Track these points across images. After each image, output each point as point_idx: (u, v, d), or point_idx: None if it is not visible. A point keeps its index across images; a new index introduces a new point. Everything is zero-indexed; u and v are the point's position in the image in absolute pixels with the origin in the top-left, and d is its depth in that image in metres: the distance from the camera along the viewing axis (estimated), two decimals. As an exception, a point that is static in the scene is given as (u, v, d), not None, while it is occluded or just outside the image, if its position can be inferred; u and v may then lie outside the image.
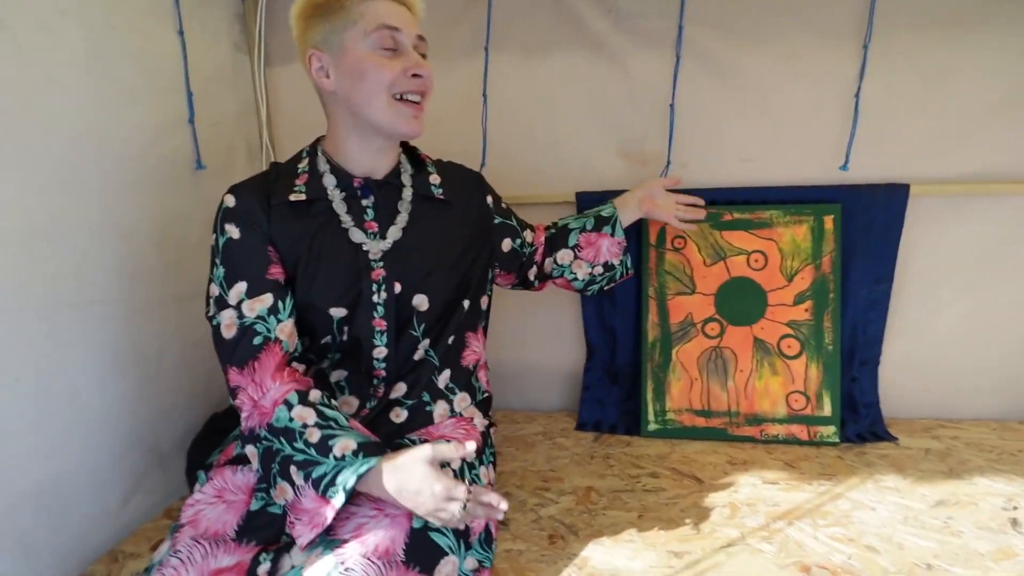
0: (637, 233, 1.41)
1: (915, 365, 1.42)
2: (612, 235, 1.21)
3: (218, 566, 0.78)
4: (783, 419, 1.36)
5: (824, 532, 1.01)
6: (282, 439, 0.79)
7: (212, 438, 1.26)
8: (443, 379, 1.01)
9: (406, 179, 0.97)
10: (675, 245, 1.41)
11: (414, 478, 0.73)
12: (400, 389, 0.97)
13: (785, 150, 1.39)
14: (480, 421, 1.06)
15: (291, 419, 0.79)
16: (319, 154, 0.94)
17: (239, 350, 0.83)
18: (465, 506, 0.73)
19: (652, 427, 1.41)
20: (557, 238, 1.21)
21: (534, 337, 1.57)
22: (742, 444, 1.36)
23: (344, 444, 0.77)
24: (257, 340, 0.83)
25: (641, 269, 1.42)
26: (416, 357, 0.96)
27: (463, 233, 1.00)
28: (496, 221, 1.09)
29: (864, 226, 1.35)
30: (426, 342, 0.96)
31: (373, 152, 0.92)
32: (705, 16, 1.33)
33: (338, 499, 0.74)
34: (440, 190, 0.99)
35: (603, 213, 1.22)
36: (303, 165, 0.94)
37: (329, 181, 0.91)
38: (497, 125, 1.44)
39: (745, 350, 1.39)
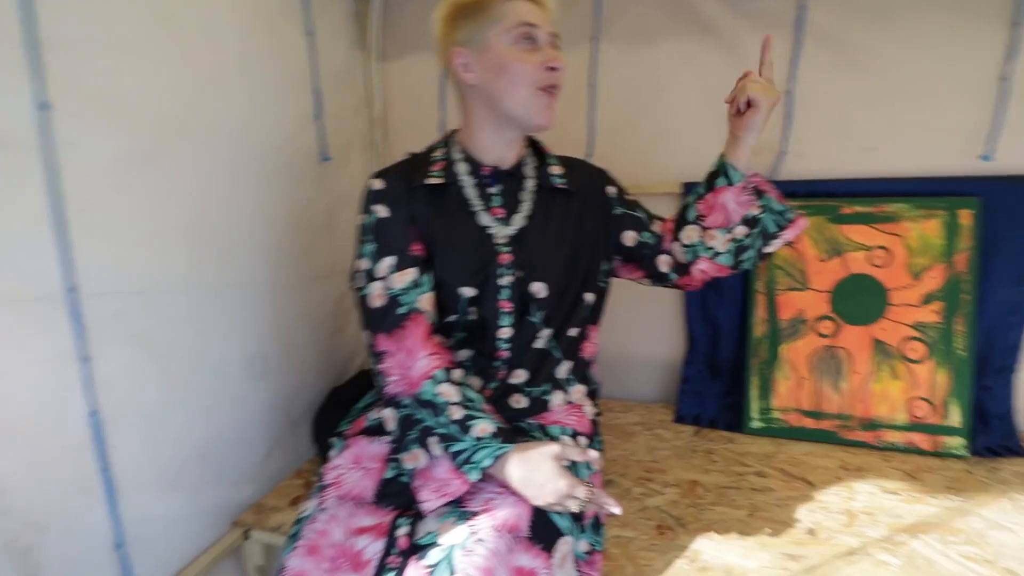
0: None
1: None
2: (730, 183, 0.98)
3: (360, 525, 0.85)
4: (903, 426, 1.29)
5: (955, 550, 0.96)
6: (425, 411, 0.84)
7: (333, 408, 1.37)
8: (563, 370, 1.03)
9: (529, 170, 1.01)
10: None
11: (541, 471, 0.78)
12: (520, 376, 1.00)
13: (915, 138, 1.30)
14: (590, 409, 1.08)
15: (436, 394, 0.85)
16: (453, 144, 1.01)
17: (388, 318, 0.90)
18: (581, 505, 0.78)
19: (756, 424, 1.38)
20: (679, 221, 1.06)
21: (634, 326, 1.55)
22: (855, 449, 1.30)
23: (483, 427, 0.82)
24: (403, 310, 0.90)
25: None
26: (536, 345, 0.99)
27: (583, 223, 1.02)
28: (617, 212, 1.07)
29: (1008, 222, 1.24)
30: (547, 332, 0.99)
31: (504, 143, 0.97)
32: (834, -4, 1.26)
33: (473, 475, 0.79)
34: (562, 180, 1.02)
35: (711, 169, 1.03)
36: (438, 154, 1.00)
37: (461, 168, 0.98)
38: (604, 115, 1.44)
39: (862, 351, 1.32)
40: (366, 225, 0.96)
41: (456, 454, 0.81)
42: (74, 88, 0.82)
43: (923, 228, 1.28)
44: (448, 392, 0.86)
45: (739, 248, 1.00)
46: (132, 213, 0.93)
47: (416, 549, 0.81)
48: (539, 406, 1.01)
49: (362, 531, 0.85)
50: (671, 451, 1.34)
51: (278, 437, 1.29)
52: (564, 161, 1.06)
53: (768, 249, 1.02)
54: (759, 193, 0.99)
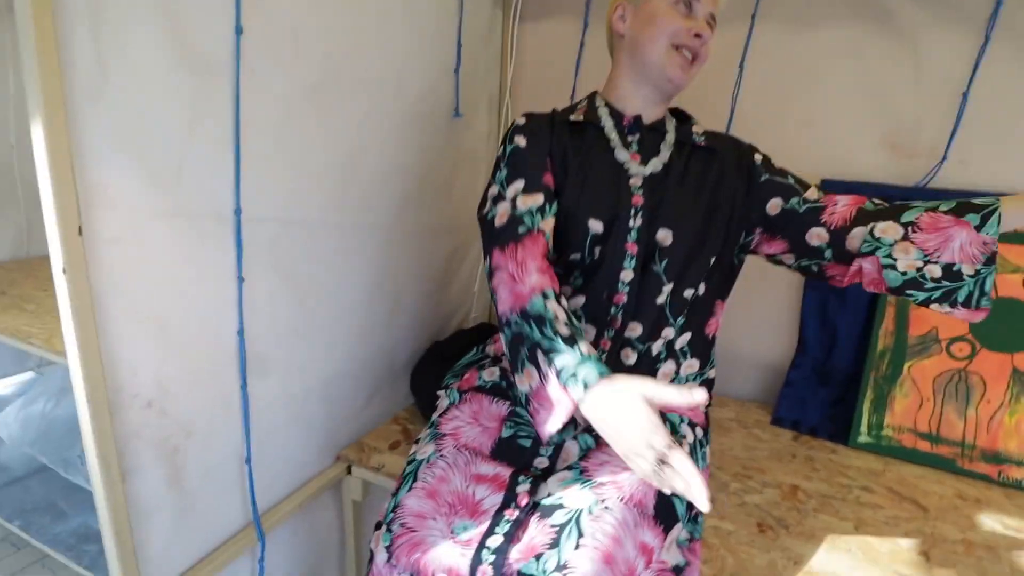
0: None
1: None
2: (979, 229, 0.83)
3: (479, 472, 0.87)
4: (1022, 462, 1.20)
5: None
6: (533, 324, 0.80)
7: (433, 362, 1.41)
8: (681, 340, 1.00)
9: (671, 127, 1.02)
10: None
11: (624, 408, 0.69)
12: (636, 329, 0.96)
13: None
14: (701, 395, 1.05)
15: (545, 308, 0.81)
16: (596, 99, 1.04)
17: (506, 233, 0.90)
18: (660, 463, 0.66)
19: (863, 439, 1.32)
20: (883, 211, 0.91)
21: (740, 319, 1.48)
22: (973, 481, 1.23)
23: (589, 348, 0.78)
24: (523, 228, 0.90)
25: (884, 271, 1.29)
26: (658, 300, 0.95)
27: (722, 185, 0.98)
28: (763, 178, 1.00)
29: None
30: (669, 287, 0.95)
31: (643, 98, 0.99)
32: (1036, -10, 1.14)
33: (576, 391, 0.73)
34: (702, 138, 1.02)
35: (975, 200, 0.87)
36: (581, 103, 1.05)
37: (603, 112, 1.01)
38: (749, 98, 1.38)
39: (999, 379, 1.23)
40: (503, 154, 0.99)
41: (562, 368, 0.75)
42: (263, 15, 0.85)
43: (1097, 257, 1.16)
44: (556, 310, 0.81)
45: (914, 282, 0.86)
46: (295, 144, 0.97)
47: (536, 508, 0.82)
48: (648, 367, 0.98)
49: (481, 479, 0.86)
50: (769, 452, 1.30)
51: (380, 382, 1.33)
52: (709, 131, 1.06)
53: (934, 307, 0.86)
54: (989, 260, 0.83)
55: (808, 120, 1.36)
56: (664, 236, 0.94)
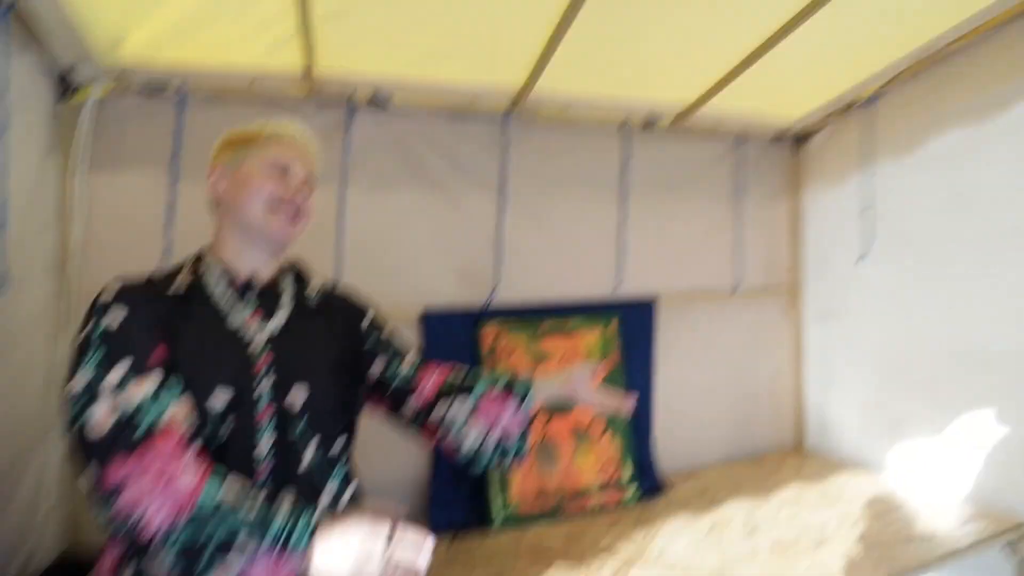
0: (474, 344, 1.66)
1: (670, 427, 1.92)
2: (520, 405, 1.09)
3: None
4: (598, 488, 1.69)
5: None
6: (215, 521, 0.72)
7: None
8: (331, 487, 0.96)
9: (287, 287, 1.04)
10: (505, 353, 1.69)
11: (346, 544, 0.73)
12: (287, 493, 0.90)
13: (579, 275, 1.85)
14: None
15: (224, 493, 0.74)
16: (203, 258, 0.98)
17: (124, 436, 0.74)
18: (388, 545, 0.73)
19: (500, 519, 1.58)
20: (458, 387, 1.10)
21: (375, 448, 1.50)
22: (577, 520, 1.62)
23: (286, 502, 0.76)
24: (146, 423, 0.76)
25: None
26: (301, 469, 0.91)
27: (336, 346, 1.04)
28: (367, 345, 1.10)
29: (633, 328, 1.85)
30: (311, 451, 0.93)
31: (254, 257, 0.99)
32: (524, 169, 1.76)
33: (303, 546, 0.72)
34: (319, 299, 1.07)
35: (519, 379, 1.13)
36: (185, 269, 0.97)
37: (212, 278, 0.95)
38: (354, 247, 1.57)
39: (567, 437, 1.70)
40: (91, 336, 0.81)
41: (275, 539, 0.72)
42: None
43: (591, 337, 1.78)
44: (233, 486, 0.76)
45: (477, 456, 1.08)
46: None
47: None
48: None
49: None
50: (433, 564, 1.40)
51: None
52: (325, 287, 1.12)
53: (493, 467, 1.18)
54: (526, 428, 1.10)
55: (403, 264, 1.65)
56: (297, 395, 0.93)
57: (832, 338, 2.05)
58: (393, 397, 1.11)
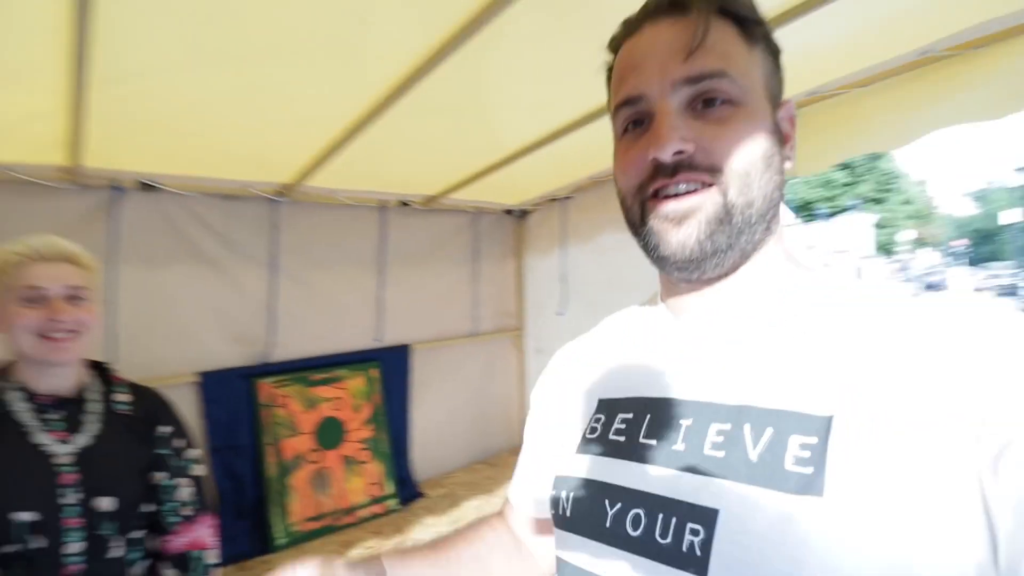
0: (251, 397, 1.90)
1: (425, 446, 2.41)
2: None
3: None
4: (367, 503, 2.09)
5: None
6: None
7: None
8: (138, 570, 1.08)
9: (94, 395, 1.09)
10: (280, 403, 1.97)
11: None
12: None
13: (344, 331, 2.20)
14: None
15: None
16: (5, 375, 1.04)
17: None
18: None
19: (282, 541, 1.88)
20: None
21: None
22: (348, 530, 2.00)
23: None
24: None
25: (257, 425, 1.90)
26: (110, 556, 1.02)
27: (144, 448, 1.12)
28: (159, 450, 1.14)
29: (393, 371, 2.27)
30: (120, 540, 1.04)
31: (52, 374, 1.04)
32: (291, 249, 2.02)
33: None
34: (128, 407, 1.15)
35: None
36: None
37: (13, 396, 1.01)
38: (129, 321, 1.66)
39: (338, 465, 2.06)
40: None
41: None
42: None
43: (356, 382, 2.15)
44: None
45: None
46: None
47: None
48: None
49: None
50: (224, 592, 1.66)
51: None
52: (134, 388, 1.20)
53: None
54: None
55: (180, 333, 1.80)
56: (105, 503, 1.02)
57: (544, 366, 2.75)
58: (153, 519, 1.13)
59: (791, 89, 0.54)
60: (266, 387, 1.95)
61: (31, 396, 1.03)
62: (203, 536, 1.17)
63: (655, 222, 0.49)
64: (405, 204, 2.29)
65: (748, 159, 0.47)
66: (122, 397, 1.14)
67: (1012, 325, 0.41)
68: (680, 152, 0.47)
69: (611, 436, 0.54)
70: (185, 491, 1.17)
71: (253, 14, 0.98)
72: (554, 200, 2.53)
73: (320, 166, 1.70)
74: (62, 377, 1.06)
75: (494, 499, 2.22)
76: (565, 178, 2.32)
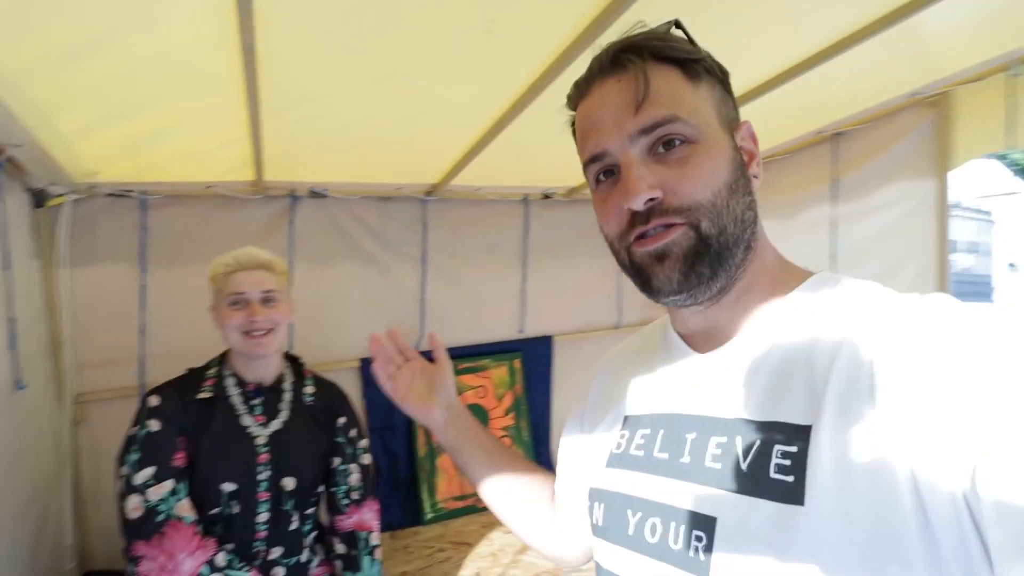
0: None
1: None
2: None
3: None
4: (506, 489, 2.17)
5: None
6: None
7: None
8: (310, 539, 1.28)
9: (287, 386, 1.31)
10: (431, 387, 2.11)
11: None
12: (278, 552, 1.21)
13: (488, 322, 2.27)
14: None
15: None
16: (225, 363, 1.27)
17: (147, 527, 1.04)
18: None
19: (429, 515, 2.04)
20: (352, 557, 1.29)
21: None
22: (487, 512, 2.10)
23: None
24: (161, 518, 1.06)
25: (411, 407, 2.06)
26: (291, 528, 1.22)
27: (321, 439, 1.31)
28: (337, 438, 1.33)
29: (535, 362, 2.31)
30: (297, 515, 1.24)
31: (255, 366, 1.26)
32: (439, 244, 2.14)
33: None
34: (312, 399, 1.33)
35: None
36: (212, 371, 1.25)
37: (230, 383, 1.24)
38: (300, 314, 1.89)
39: (480, 450, 2.16)
40: (135, 436, 1.12)
41: None
42: None
43: (499, 372, 2.22)
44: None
45: None
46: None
47: None
48: (300, 572, 1.28)
49: None
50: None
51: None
52: (318, 381, 1.38)
53: None
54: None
55: (343, 322, 2.00)
56: (288, 482, 1.21)
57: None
58: (328, 497, 1.33)
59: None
60: (417, 373, 2.10)
61: (241, 383, 1.24)
62: (368, 519, 1.34)
63: (641, 262, 0.53)
64: (547, 196, 2.28)
65: (712, 191, 0.51)
66: (309, 389, 1.33)
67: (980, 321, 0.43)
68: (651, 199, 0.51)
69: (632, 451, 0.59)
70: (355, 476, 1.35)
71: (393, 38, 1.02)
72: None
73: (464, 165, 1.75)
74: (264, 368, 1.27)
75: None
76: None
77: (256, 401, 1.25)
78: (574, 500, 0.72)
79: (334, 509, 1.32)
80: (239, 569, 1.15)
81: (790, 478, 0.44)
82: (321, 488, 1.32)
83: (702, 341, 0.58)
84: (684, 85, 0.52)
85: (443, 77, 1.19)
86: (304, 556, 1.26)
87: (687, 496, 0.51)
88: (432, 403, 0.83)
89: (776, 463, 0.46)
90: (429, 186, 2.00)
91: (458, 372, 2.16)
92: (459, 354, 2.18)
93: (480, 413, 2.18)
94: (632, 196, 0.51)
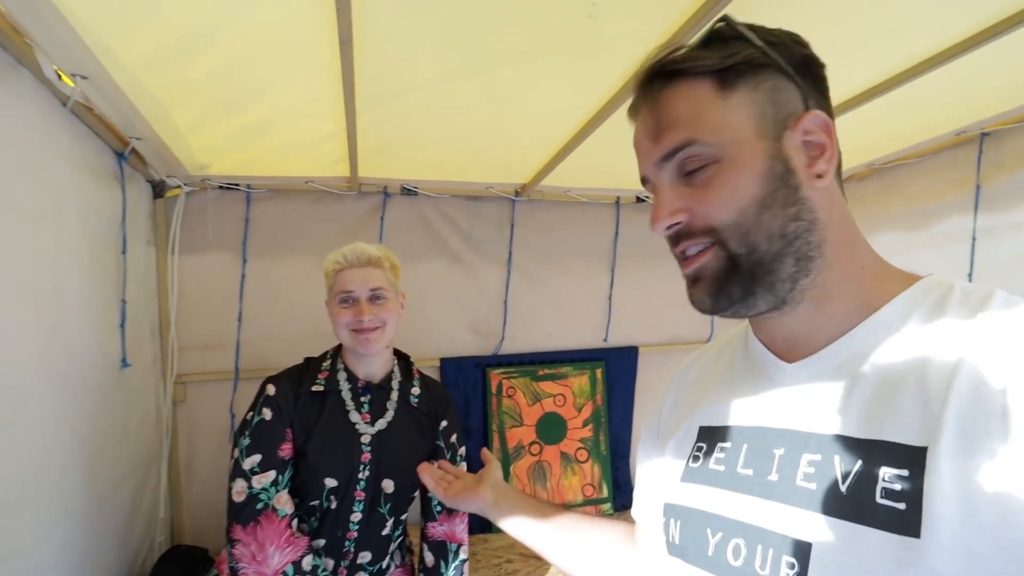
0: (483, 385, 2.03)
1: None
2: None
3: None
4: (581, 503, 2.08)
5: None
6: None
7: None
8: (395, 544, 1.28)
9: (395, 384, 1.28)
10: (508, 393, 2.06)
11: None
12: (366, 556, 1.20)
13: (571, 328, 2.19)
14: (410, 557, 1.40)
15: None
16: (338, 357, 1.28)
17: (245, 512, 1.06)
18: None
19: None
20: (434, 569, 1.26)
21: None
22: (559, 526, 2.02)
23: None
24: (259, 506, 1.08)
25: (487, 411, 2.02)
26: (383, 533, 1.20)
27: (422, 443, 1.29)
28: (439, 441, 1.31)
29: (618, 372, 2.20)
30: (391, 520, 1.21)
31: (366, 363, 1.25)
32: (525, 245, 2.09)
33: None
34: (417, 400, 1.30)
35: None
36: (327, 364, 1.25)
37: (342, 377, 1.24)
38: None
39: (556, 461, 2.09)
40: (249, 422, 1.14)
41: None
42: None
43: (580, 381, 2.14)
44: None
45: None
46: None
47: None
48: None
49: None
50: (450, 560, 1.83)
51: None
52: (425, 381, 1.35)
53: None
54: None
55: (425, 320, 2.00)
56: (387, 484, 1.20)
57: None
58: (423, 502, 1.31)
59: None
60: (496, 377, 2.06)
61: (351, 378, 1.23)
62: (459, 531, 1.30)
63: (685, 279, 0.55)
64: (640, 200, 2.17)
65: (736, 210, 0.49)
66: (416, 389, 1.31)
67: None
68: (674, 224, 0.52)
69: (711, 465, 0.56)
70: None
71: (490, 25, 0.98)
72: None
73: (556, 164, 1.69)
74: (374, 365, 1.26)
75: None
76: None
77: (365, 398, 1.24)
78: (650, 517, 0.68)
79: (427, 515, 1.30)
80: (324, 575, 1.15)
81: (901, 505, 0.40)
82: (416, 493, 1.30)
83: (785, 349, 0.54)
84: (710, 100, 0.50)
85: (540, 67, 1.14)
86: (386, 562, 1.25)
87: (776, 518, 0.48)
88: (479, 490, 0.86)
89: (884, 487, 0.42)
90: (518, 186, 1.96)
91: (537, 378, 2.10)
92: (539, 360, 2.12)
93: (558, 422, 2.11)
94: (653, 224, 0.53)
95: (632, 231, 2.21)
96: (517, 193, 2.00)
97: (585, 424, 2.14)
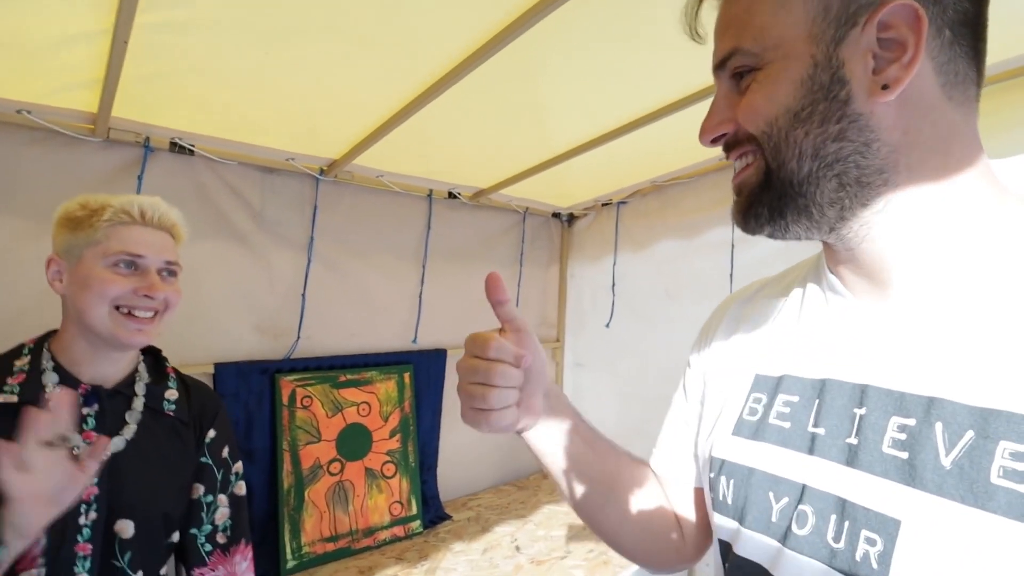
0: (271, 395, 1.68)
1: (451, 463, 2.18)
2: None
3: None
4: (387, 525, 1.85)
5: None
6: None
7: None
8: None
9: (139, 388, 0.96)
10: (303, 404, 1.75)
11: None
12: None
13: (379, 328, 1.97)
14: None
15: None
16: (44, 352, 0.89)
17: None
18: None
19: (291, 564, 1.64)
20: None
21: None
22: (364, 554, 1.76)
23: None
24: None
25: (275, 427, 1.68)
26: None
27: (187, 456, 0.99)
28: (204, 459, 1.02)
29: (426, 376, 2.05)
30: (141, 570, 0.90)
31: (102, 358, 0.92)
32: (330, 232, 1.82)
33: None
34: (175, 407, 0.99)
35: None
36: (22, 363, 0.87)
37: (50, 381, 0.87)
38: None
39: (360, 479, 1.83)
40: None
41: None
42: None
43: (387, 386, 1.93)
44: None
45: None
46: None
47: None
48: None
49: None
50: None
51: None
52: (184, 382, 1.05)
53: None
54: None
55: (197, 314, 1.58)
56: (124, 528, 0.88)
57: (583, 381, 2.53)
58: (185, 542, 0.98)
59: None
60: (288, 384, 1.73)
61: (68, 382, 0.88)
62: (240, 572, 0.98)
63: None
64: (453, 196, 2.09)
65: (766, 121, 0.45)
66: (171, 394, 0.99)
67: None
68: (720, 136, 0.49)
69: (773, 420, 0.50)
70: (223, 512, 1.01)
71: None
72: (607, 204, 2.35)
73: (367, 144, 1.52)
74: (113, 363, 0.92)
75: (527, 525, 1.99)
76: (621, 181, 2.14)
77: (89, 409, 0.89)
78: (684, 469, 0.63)
79: (193, 558, 0.97)
80: None
81: None
82: (176, 534, 0.96)
83: (870, 287, 0.47)
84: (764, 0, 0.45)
85: (358, 44, 1.03)
86: None
87: (856, 487, 0.42)
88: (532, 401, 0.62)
89: (1002, 465, 0.35)
90: (326, 162, 1.71)
91: (338, 385, 1.84)
92: (341, 364, 1.86)
93: (362, 434, 1.86)
94: (701, 135, 0.50)
95: (444, 227, 2.12)
96: (323, 171, 1.75)
97: (392, 434, 1.93)
